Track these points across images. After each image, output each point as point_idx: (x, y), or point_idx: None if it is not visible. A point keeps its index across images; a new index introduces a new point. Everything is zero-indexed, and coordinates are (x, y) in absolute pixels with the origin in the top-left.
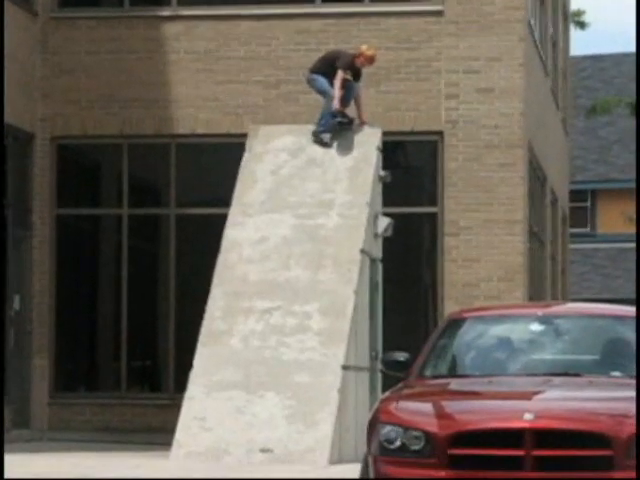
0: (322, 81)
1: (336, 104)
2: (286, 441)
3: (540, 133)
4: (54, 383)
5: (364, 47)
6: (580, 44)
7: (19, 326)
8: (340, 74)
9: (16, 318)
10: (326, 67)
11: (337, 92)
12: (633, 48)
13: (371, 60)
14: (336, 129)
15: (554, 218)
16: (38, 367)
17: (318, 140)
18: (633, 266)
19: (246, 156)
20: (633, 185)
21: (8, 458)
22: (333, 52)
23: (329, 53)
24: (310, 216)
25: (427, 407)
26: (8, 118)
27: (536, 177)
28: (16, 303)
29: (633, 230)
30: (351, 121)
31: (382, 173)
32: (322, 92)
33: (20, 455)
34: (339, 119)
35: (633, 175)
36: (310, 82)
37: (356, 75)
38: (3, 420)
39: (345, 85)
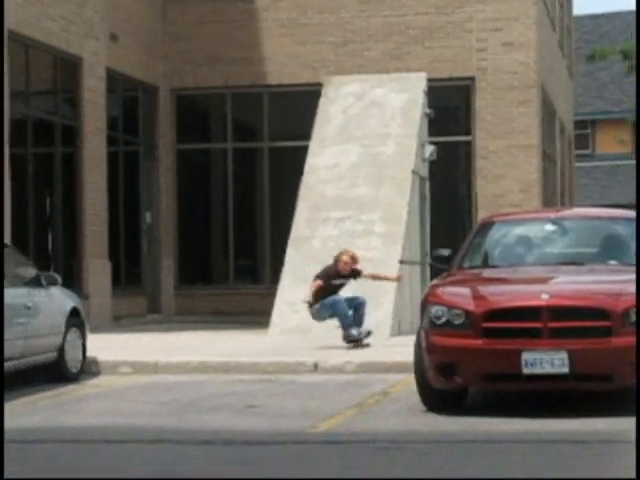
0: (341, 305)
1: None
2: None
3: (550, 77)
4: (178, 278)
5: (339, 255)
6: (580, 5)
7: (150, 235)
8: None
9: (148, 229)
10: (328, 286)
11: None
12: (624, 7)
13: (349, 261)
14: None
15: (562, 143)
16: (166, 266)
17: (353, 339)
18: (624, 179)
19: (322, 100)
20: (625, 115)
21: (145, 336)
22: (321, 273)
23: (321, 276)
24: (372, 145)
25: (466, 291)
26: (138, 75)
27: (547, 111)
28: (148, 218)
29: (625, 151)
30: (361, 338)
31: (427, 111)
32: (341, 318)
33: (154, 333)
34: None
35: (624, 107)
36: (322, 311)
37: (354, 276)
38: (3, 420)
39: (319, 293)
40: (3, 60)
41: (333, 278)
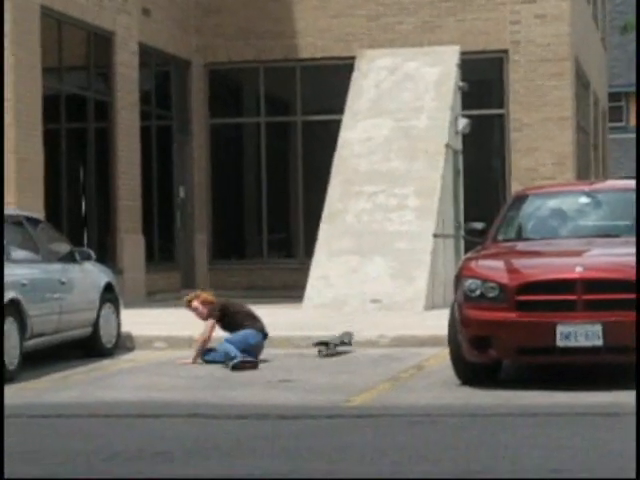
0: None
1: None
2: (391, 293)
3: (584, 49)
4: (212, 253)
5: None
6: None
7: (184, 210)
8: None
9: (181, 204)
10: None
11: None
12: None
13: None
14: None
15: (596, 115)
16: (199, 241)
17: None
18: None
19: (354, 74)
20: None
21: (179, 311)
22: None
23: None
24: (405, 119)
25: (500, 264)
26: (171, 49)
27: (581, 83)
28: (181, 192)
29: None
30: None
31: (461, 84)
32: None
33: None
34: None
35: None
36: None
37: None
38: (3, 420)
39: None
40: (3, 59)
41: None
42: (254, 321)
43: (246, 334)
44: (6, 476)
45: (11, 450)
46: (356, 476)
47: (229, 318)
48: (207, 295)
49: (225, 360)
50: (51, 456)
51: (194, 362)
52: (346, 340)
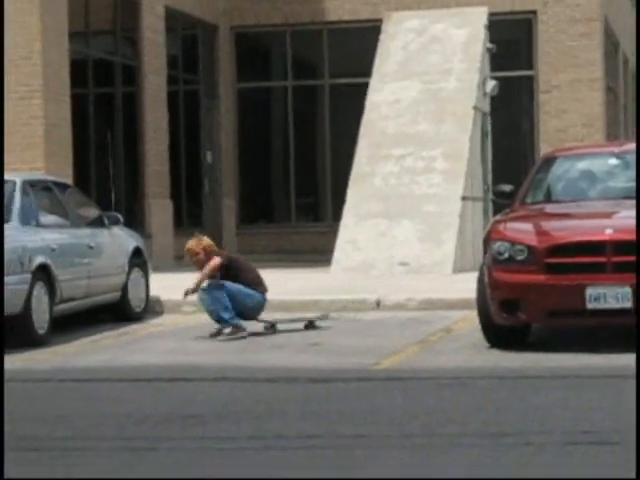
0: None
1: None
2: (419, 256)
3: (613, 9)
4: (240, 218)
5: None
6: None
7: (212, 175)
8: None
9: (209, 169)
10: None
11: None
12: None
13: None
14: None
15: (625, 75)
16: (227, 206)
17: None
18: None
19: (382, 36)
20: None
21: None
22: None
23: None
24: (433, 81)
25: (528, 226)
26: (198, 13)
27: (610, 43)
28: (209, 157)
29: None
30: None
31: (489, 45)
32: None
33: None
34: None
35: None
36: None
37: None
38: (3, 420)
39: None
40: (3, 56)
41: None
42: (258, 282)
43: (248, 294)
44: (43, 436)
45: (42, 414)
46: (385, 439)
47: (234, 272)
48: (209, 242)
49: (213, 313)
50: (81, 420)
51: (185, 295)
52: (316, 319)
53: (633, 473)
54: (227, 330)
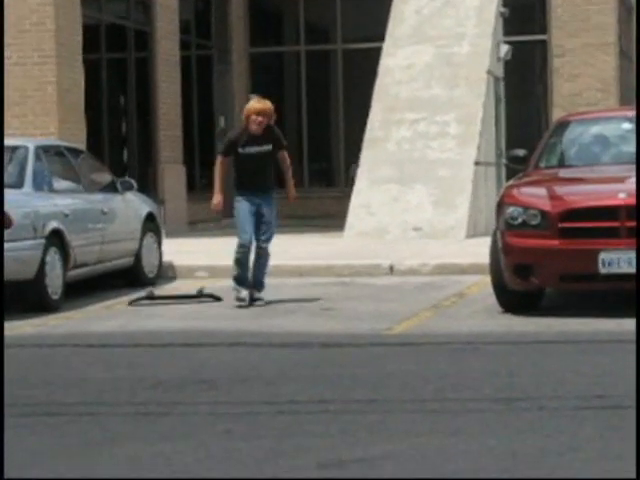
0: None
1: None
2: (432, 221)
3: None
4: None
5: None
6: None
7: (224, 140)
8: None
9: (222, 134)
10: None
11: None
12: None
13: (252, 114)
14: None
15: None
16: None
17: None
18: None
19: (395, 0)
20: None
21: (221, 241)
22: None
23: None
24: (446, 46)
25: (542, 191)
26: None
27: (625, 7)
28: (221, 122)
29: None
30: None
31: (502, 9)
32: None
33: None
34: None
35: None
36: None
37: (274, 143)
38: (3, 421)
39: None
40: (3, 53)
41: (242, 145)
42: None
43: None
44: (57, 401)
45: (56, 379)
46: (398, 403)
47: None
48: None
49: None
50: (95, 385)
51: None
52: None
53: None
54: (262, 300)
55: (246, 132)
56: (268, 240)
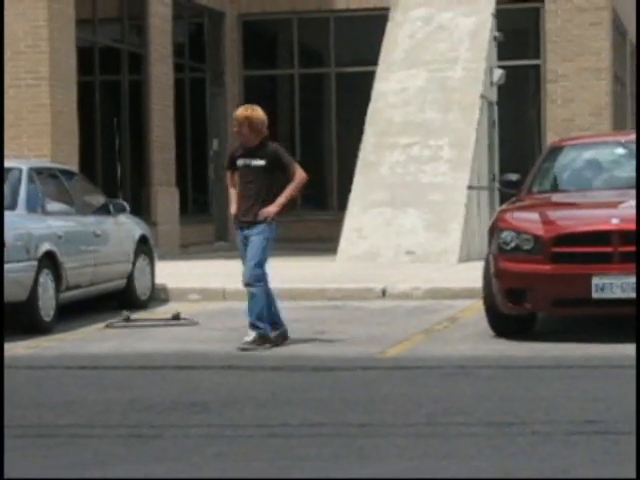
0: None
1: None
2: (425, 245)
3: None
4: None
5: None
6: None
7: (218, 162)
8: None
9: (215, 156)
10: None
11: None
12: None
13: (240, 121)
14: None
15: (633, 65)
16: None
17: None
18: None
19: (389, 24)
20: None
21: (213, 263)
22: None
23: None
24: (440, 70)
25: (535, 216)
26: (204, 1)
27: (618, 32)
28: (215, 145)
29: None
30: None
31: (496, 34)
32: None
33: (222, 261)
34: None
35: None
36: None
37: (256, 154)
38: (3, 422)
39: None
40: (3, 52)
41: (237, 158)
42: None
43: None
44: (49, 423)
45: (48, 400)
46: (390, 427)
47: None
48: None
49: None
50: (87, 407)
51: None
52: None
53: (636, 468)
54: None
55: (242, 144)
56: (249, 280)
